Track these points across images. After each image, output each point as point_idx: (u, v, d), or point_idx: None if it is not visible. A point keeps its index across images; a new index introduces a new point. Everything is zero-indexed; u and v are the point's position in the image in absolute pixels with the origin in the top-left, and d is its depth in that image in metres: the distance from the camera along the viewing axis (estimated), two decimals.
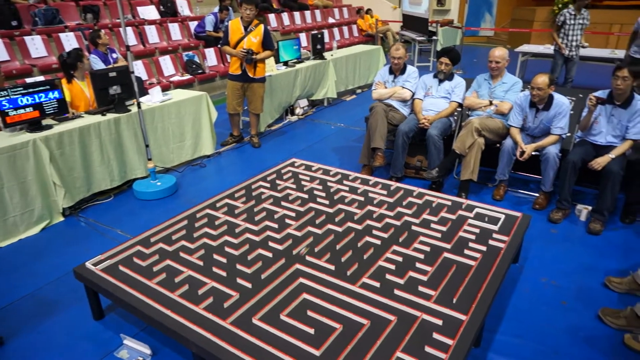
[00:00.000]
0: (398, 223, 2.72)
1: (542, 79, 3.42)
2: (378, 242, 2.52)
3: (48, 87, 3.57)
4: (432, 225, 2.68)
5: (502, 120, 3.81)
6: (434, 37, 9.69)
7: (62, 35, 6.01)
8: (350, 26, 11.27)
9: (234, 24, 4.72)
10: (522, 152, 3.51)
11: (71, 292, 2.70)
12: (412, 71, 4.30)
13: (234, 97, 4.86)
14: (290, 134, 5.63)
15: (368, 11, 11.41)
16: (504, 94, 3.85)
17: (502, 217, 2.76)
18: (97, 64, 5.24)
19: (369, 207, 2.91)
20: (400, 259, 2.36)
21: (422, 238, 2.55)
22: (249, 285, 2.17)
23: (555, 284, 2.74)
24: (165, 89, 5.47)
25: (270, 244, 2.51)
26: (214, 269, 2.30)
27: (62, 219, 3.59)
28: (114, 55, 5.48)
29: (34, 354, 2.28)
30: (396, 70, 4.30)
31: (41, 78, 5.40)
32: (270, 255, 2.41)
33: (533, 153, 3.54)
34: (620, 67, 3.22)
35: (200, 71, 6.96)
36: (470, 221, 2.73)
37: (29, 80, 5.23)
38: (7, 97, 3.31)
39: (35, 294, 2.75)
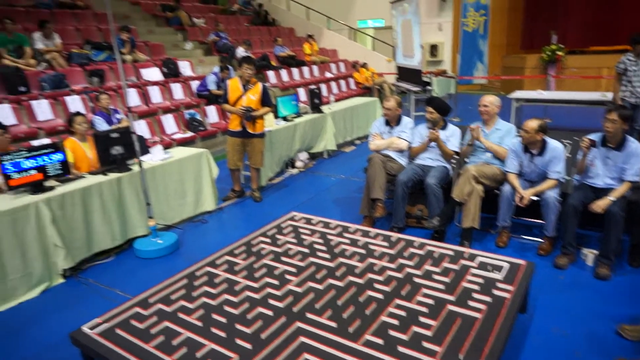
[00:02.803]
0: (400, 275, 2.67)
1: (530, 123, 3.50)
2: (380, 296, 2.47)
3: (52, 149, 3.65)
4: (435, 277, 2.63)
5: (499, 167, 3.84)
6: (429, 87, 9.97)
7: (67, 98, 6.22)
8: (347, 79, 11.65)
9: (233, 83, 4.89)
10: (521, 198, 3.51)
11: (70, 357, 2.61)
12: (407, 122, 4.40)
13: (235, 153, 4.95)
14: (292, 186, 5.68)
15: (364, 65, 11.83)
16: (499, 140, 3.91)
17: (506, 265, 2.72)
18: (101, 124, 5.39)
19: (370, 260, 2.88)
20: (403, 313, 2.30)
21: (424, 290, 2.50)
22: (249, 346, 2.11)
23: (566, 334, 2.65)
24: (167, 146, 5.58)
25: (271, 301, 2.47)
26: (213, 330, 2.25)
27: (62, 280, 3.56)
28: (118, 116, 5.64)
29: None
30: (391, 122, 4.40)
31: (47, 140, 5.53)
32: (270, 313, 2.36)
33: (533, 198, 3.54)
34: (609, 110, 3.30)
35: (201, 128, 7.13)
36: (473, 271, 2.68)
37: (34, 142, 5.36)
38: (11, 161, 3.38)
39: None
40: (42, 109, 5.95)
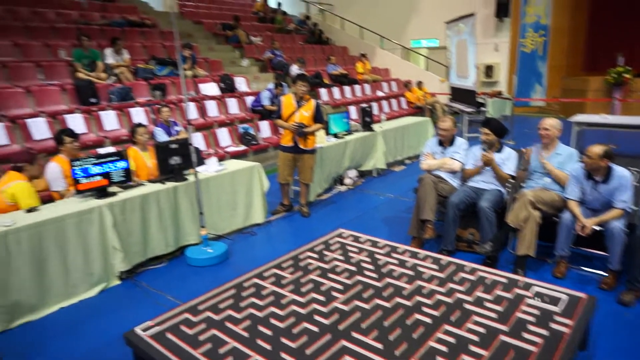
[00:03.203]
0: (450, 300, 2.59)
1: (594, 148, 3.32)
2: (428, 320, 2.41)
3: (117, 157, 3.88)
4: (486, 304, 2.53)
5: (558, 192, 3.67)
6: (483, 109, 9.73)
7: (132, 110, 6.60)
8: (399, 98, 11.61)
9: (287, 99, 5.01)
10: (583, 227, 3.32)
11: (121, 356, 2.72)
12: (461, 142, 4.31)
13: (285, 168, 5.04)
14: (340, 203, 5.69)
15: (419, 84, 11.73)
16: (559, 165, 3.75)
17: (565, 297, 2.57)
18: (161, 136, 5.67)
19: (419, 282, 2.82)
20: (452, 340, 2.23)
21: (475, 318, 2.41)
22: None
23: None
24: (221, 159, 5.74)
25: (316, 317, 2.46)
26: (259, 341, 2.27)
27: (118, 282, 3.73)
28: (177, 128, 5.92)
29: None
30: (445, 142, 4.33)
31: (112, 148, 5.88)
32: (316, 329, 2.36)
33: (596, 228, 3.34)
34: None
35: (254, 142, 7.33)
36: (528, 301, 2.56)
37: (100, 150, 5.71)
38: (81, 167, 3.62)
39: (87, 356, 2.81)
40: (109, 119, 6.35)
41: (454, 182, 4.21)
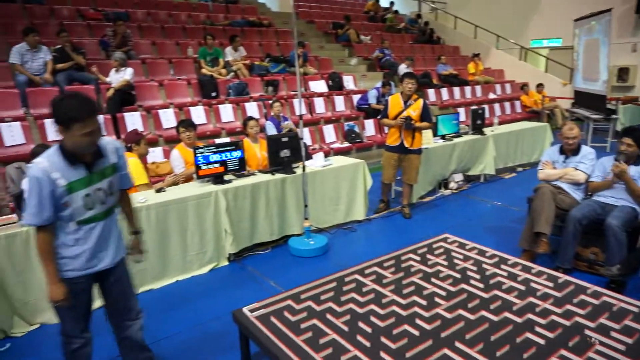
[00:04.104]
0: (567, 323, 2.36)
1: None
2: (541, 341, 2.22)
3: (233, 147, 4.16)
4: (613, 334, 2.26)
5: None
6: (613, 116, 8.70)
7: (246, 104, 7.04)
8: (513, 102, 10.85)
9: (394, 99, 4.95)
10: None
11: (225, 333, 2.93)
12: (588, 152, 3.89)
13: (390, 168, 5.01)
14: (443, 207, 5.49)
15: (538, 86, 10.84)
16: None
17: None
18: (271, 129, 5.96)
19: (531, 299, 2.61)
20: None
21: (599, 347, 2.16)
22: None
23: None
24: (326, 154, 5.89)
25: (417, 321, 2.40)
26: (358, 337, 2.28)
27: (226, 263, 4.01)
28: (286, 122, 6.17)
29: None
30: (568, 151, 3.95)
31: (227, 139, 6.33)
32: (417, 333, 2.30)
33: None
34: None
35: (358, 140, 7.38)
36: None
37: (217, 140, 6.18)
38: (202, 154, 3.95)
39: (196, 328, 3.06)
40: (227, 112, 6.84)
41: (577, 194, 3.83)
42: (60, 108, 1.89)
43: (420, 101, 4.89)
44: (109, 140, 2.15)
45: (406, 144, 4.84)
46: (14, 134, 5.10)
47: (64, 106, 1.89)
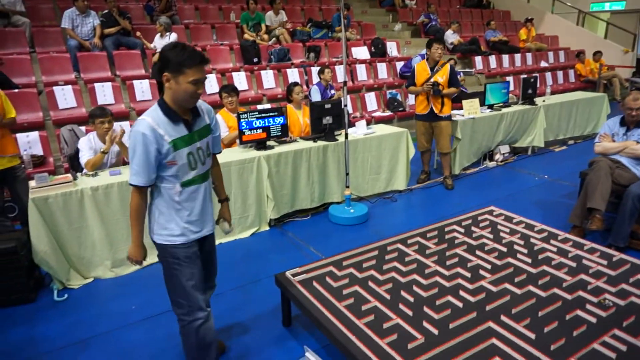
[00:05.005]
0: (622, 302, 2.26)
1: None
2: (593, 319, 2.14)
3: (276, 113, 4.14)
4: None
5: None
6: None
7: (288, 70, 6.96)
8: (567, 71, 10.23)
9: (420, 66, 4.86)
10: None
11: (268, 294, 2.99)
12: None
13: (422, 135, 5.00)
14: (487, 179, 5.32)
15: (595, 54, 10.14)
16: None
17: None
18: (316, 95, 5.87)
19: (582, 276, 2.50)
20: (623, 347, 1.94)
21: None
22: (435, 331, 2.07)
23: None
24: (367, 123, 5.79)
25: (461, 293, 2.37)
26: (401, 306, 2.27)
27: (267, 228, 4.08)
28: (332, 92, 6.07)
29: (228, 342, 2.58)
30: (630, 123, 3.69)
31: (268, 105, 6.32)
32: (460, 305, 2.27)
33: None
34: None
35: (400, 109, 7.20)
36: None
37: (259, 107, 6.18)
38: (246, 119, 3.96)
39: (238, 289, 3.15)
40: (268, 78, 6.81)
41: (637, 169, 3.59)
42: (172, 53, 1.83)
43: (448, 66, 4.80)
44: (200, 102, 2.07)
45: (435, 111, 4.77)
46: (66, 97, 5.28)
47: (177, 52, 1.83)
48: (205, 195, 2.10)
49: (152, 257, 3.50)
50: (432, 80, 4.69)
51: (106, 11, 6.30)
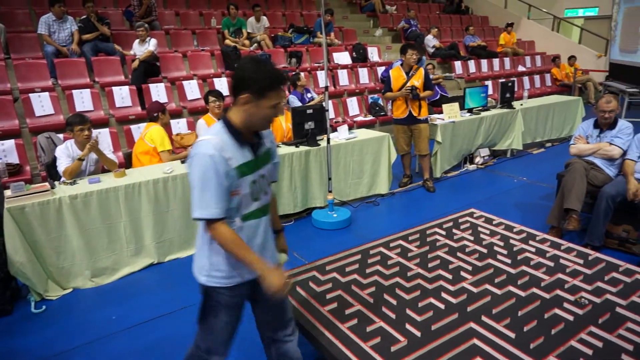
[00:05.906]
0: (597, 300, 2.32)
1: None
2: (570, 317, 2.18)
3: None
4: None
5: None
6: None
7: None
8: (543, 75, 10.47)
9: (395, 72, 4.97)
10: None
11: None
12: (625, 127, 3.74)
13: (401, 138, 5.07)
14: (468, 182, 5.41)
15: (570, 59, 10.42)
16: None
17: None
18: (295, 102, 5.90)
19: (560, 275, 2.56)
20: (599, 344, 1.99)
21: (630, 325, 2.12)
22: (418, 333, 2.09)
23: None
24: (349, 127, 5.83)
25: (443, 294, 2.39)
26: (384, 309, 2.29)
27: None
28: (309, 95, 6.11)
29: None
30: (603, 125, 3.80)
31: None
32: (442, 306, 2.29)
33: None
34: None
35: (382, 113, 7.27)
36: None
37: None
38: None
39: None
40: None
41: (610, 171, 3.70)
42: (258, 73, 1.58)
43: (422, 70, 4.92)
44: None
45: (414, 114, 4.87)
46: (43, 104, 5.19)
47: (263, 71, 1.58)
48: (267, 229, 1.85)
49: (132, 266, 3.49)
50: (409, 84, 4.76)
51: (84, 17, 6.22)
